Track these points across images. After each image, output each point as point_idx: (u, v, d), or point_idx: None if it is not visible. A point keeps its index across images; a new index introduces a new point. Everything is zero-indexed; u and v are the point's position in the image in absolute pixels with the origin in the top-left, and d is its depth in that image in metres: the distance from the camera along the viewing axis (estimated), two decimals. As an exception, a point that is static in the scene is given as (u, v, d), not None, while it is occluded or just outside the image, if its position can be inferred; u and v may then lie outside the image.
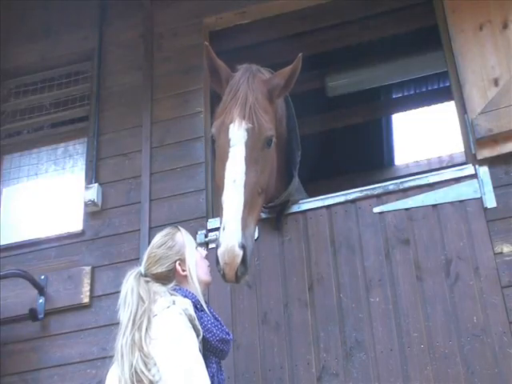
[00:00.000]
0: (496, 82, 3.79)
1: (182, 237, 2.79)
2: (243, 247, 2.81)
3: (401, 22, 5.45)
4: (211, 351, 2.57)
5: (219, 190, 3.09)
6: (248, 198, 2.98)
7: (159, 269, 2.69)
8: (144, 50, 4.66)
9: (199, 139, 4.22)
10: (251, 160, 3.07)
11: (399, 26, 5.51)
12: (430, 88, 6.95)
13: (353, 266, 3.60)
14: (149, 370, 2.37)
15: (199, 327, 2.51)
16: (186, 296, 2.60)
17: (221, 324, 2.66)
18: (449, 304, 3.38)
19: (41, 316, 3.95)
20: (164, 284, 2.66)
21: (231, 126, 3.13)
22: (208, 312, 2.64)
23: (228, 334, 2.65)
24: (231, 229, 2.81)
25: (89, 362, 3.78)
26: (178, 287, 2.67)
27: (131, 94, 4.55)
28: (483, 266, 3.41)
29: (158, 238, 2.81)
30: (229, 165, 3.05)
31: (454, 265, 3.45)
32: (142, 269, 2.73)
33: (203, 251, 2.86)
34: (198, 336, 2.49)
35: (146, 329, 2.45)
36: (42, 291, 4.00)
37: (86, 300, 3.94)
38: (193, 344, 2.43)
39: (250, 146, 3.10)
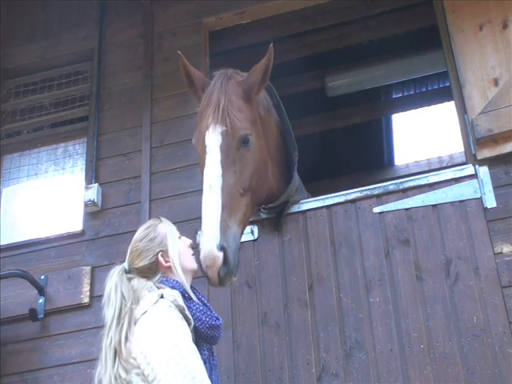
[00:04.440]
0: (496, 82, 3.79)
1: (164, 228, 2.77)
2: (223, 248, 2.82)
3: (401, 22, 5.47)
4: (202, 338, 2.57)
5: None
6: (226, 200, 2.98)
7: (142, 262, 2.67)
8: (144, 50, 4.66)
9: (199, 139, 4.22)
10: (227, 162, 3.07)
11: (399, 26, 5.52)
12: (430, 88, 6.95)
13: (353, 266, 3.60)
14: (131, 376, 2.37)
15: (190, 316, 2.51)
16: (173, 287, 2.59)
17: (210, 310, 2.65)
18: (449, 304, 3.38)
19: (41, 316, 3.95)
20: (149, 278, 2.65)
21: (207, 132, 3.14)
22: (196, 299, 2.63)
23: (217, 319, 2.64)
24: (208, 233, 2.83)
25: (89, 362, 3.77)
26: (164, 279, 2.65)
27: (131, 94, 4.56)
28: (483, 266, 3.41)
29: (140, 231, 2.79)
30: (205, 171, 3.06)
31: (454, 265, 3.45)
32: (125, 264, 2.71)
33: (187, 240, 2.84)
34: (189, 325, 2.49)
35: (126, 332, 2.45)
36: (41, 291, 4.00)
37: (86, 300, 3.94)
38: (185, 336, 2.42)
39: (225, 149, 3.09)
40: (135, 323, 2.48)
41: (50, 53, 4.90)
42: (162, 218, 2.83)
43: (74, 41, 4.88)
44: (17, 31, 5.03)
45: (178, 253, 2.72)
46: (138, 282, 2.62)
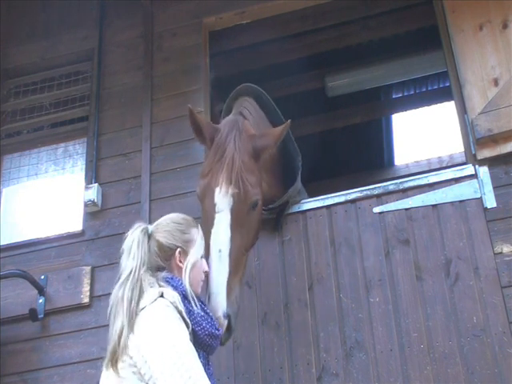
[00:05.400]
0: (496, 82, 3.79)
1: (197, 235, 2.76)
2: (228, 316, 2.85)
3: (401, 22, 5.47)
4: (199, 345, 2.54)
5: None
6: (233, 264, 2.98)
7: (164, 239, 2.66)
8: (144, 50, 4.66)
9: (199, 139, 4.22)
10: (237, 225, 3.05)
11: (399, 26, 5.53)
12: (430, 88, 6.95)
13: (353, 266, 3.60)
14: (126, 372, 2.37)
15: (188, 320, 2.48)
16: (176, 286, 2.56)
17: (211, 318, 2.64)
18: (449, 304, 3.38)
19: (41, 316, 3.95)
20: (156, 266, 2.63)
21: (217, 190, 3.09)
22: (198, 305, 2.60)
23: (217, 329, 2.63)
24: (216, 301, 2.84)
25: (89, 362, 3.78)
26: (169, 276, 2.62)
27: (131, 94, 4.56)
28: (483, 266, 3.42)
29: (177, 217, 2.78)
30: (214, 232, 3.02)
31: (454, 265, 3.46)
32: (150, 227, 2.70)
33: (205, 265, 2.82)
34: (187, 328, 2.47)
35: (129, 324, 2.45)
36: (41, 291, 4.00)
37: (86, 300, 3.94)
38: (183, 336, 2.40)
39: (236, 212, 3.06)
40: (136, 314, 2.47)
41: (50, 53, 4.90)
42: (200, 227, 2.82)
43: (74, 41, 4.88)
44: (17, 31, 5.03)
45: (194, 267, 2.69)
46: (144, 274, 2.60)
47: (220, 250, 2.97)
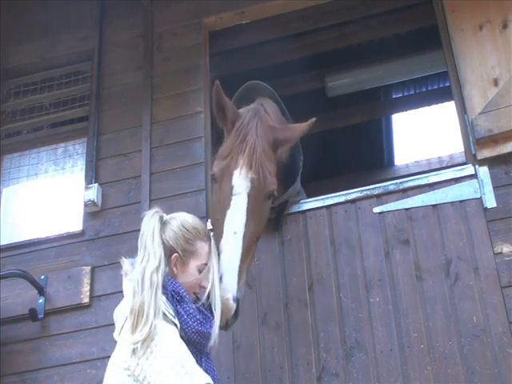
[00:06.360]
0: (496, 82, 3.79)
1: (203, 249, 2.72)
2: (237, 300, 2.85)
3: (401, 22, 5.47)
4: (189, 342, 2.53)
5: (215, 231, 3.08)
6: (245, 249, 2.99)
7: (167, 238, 2.66)
8: (144, 49, 4.67)
9: (199, 139, 4.22)
10: (252, 211, 3.06)
11: (399, 26, 5.53)
12: (430, 88, 6.95)
13: (353, 266, 3.60)
14: (124, 376, 2.38)
15: (174, 320, 2.47)
16: (165, 285, 2.55)
17: (206, 317, 2.62)
18: (449, 304, 3.38)
19: (41, 316, 3.95)
20: None
21: (235, 172, 3.09)
22: (187, 304, 2.58)
23: (209, 327, 2.60)
24: (228, 283, 2.83)
25: (88, 362, 3.78)
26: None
27: (131, 94, 4.56)
28: (483, 266, 3.42)
29: (190, 223, 2.73)
30: (230, 214, 3.02)
31: (454, 265, 3.46)
32: (166, 216, 2.71)
33: (205, 281, 2.75)
34: (176, 326, 2.47)
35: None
36: (41, 291, 4.00)
37: (86, 300, 3.94)
38: (171, 332, 2.41)
39: (253, 197, 3.07)
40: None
41: (49, 53, 4.90)
42: (213, 245, 2.79)
43: (74, 41, 4.88)
44: (17, 31, 5.03)
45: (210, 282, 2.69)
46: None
47: (235, 232, 2.97)
